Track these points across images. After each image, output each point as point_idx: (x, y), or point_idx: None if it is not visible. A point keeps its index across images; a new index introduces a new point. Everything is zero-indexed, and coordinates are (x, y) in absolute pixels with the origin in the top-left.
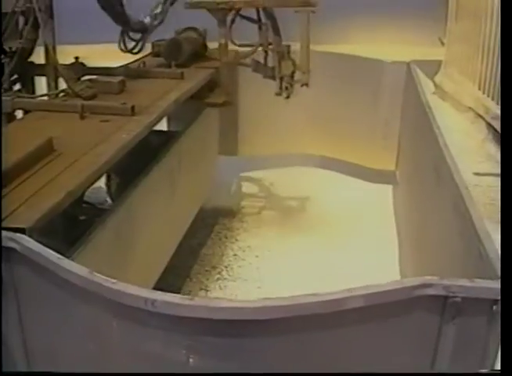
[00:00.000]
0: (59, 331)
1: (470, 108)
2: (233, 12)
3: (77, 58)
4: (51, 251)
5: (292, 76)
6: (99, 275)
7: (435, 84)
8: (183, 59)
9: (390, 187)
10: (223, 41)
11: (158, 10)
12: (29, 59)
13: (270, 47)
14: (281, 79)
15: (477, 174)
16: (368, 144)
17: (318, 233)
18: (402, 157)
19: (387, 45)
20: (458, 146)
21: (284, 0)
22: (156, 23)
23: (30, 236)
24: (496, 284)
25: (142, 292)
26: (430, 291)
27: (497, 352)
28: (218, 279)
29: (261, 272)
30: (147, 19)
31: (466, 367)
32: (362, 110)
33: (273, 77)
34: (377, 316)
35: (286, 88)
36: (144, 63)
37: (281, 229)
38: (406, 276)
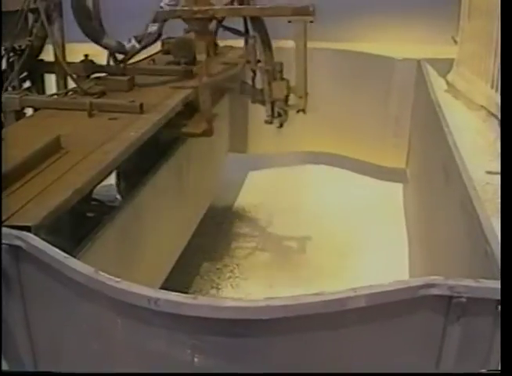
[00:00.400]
0: (65, 329)
1: (482, 106)
2: (215, 21)
3: (86, 56)
4: (56, 250)
5: (286, 100)
6: (103, 274)
7: (448, 83)
8: (192, 56)
9: (400, 185)
10: (203, 58)
11: (148, 31)
12: (39, 57)
13: (259, 65)
14: (272, 104)
15: (489, 172)
16: (378, 142)
17: (327, 230)
18: (413, 155)
19: (400, 44)
20: (470, 145)
21: (275, 8)
22: (138, 47)
23: (36, 233)
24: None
25: (145, 291)
26: (435, 291)
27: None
28: (230, 277)
29: (272, 270)
30: (130, 43)
31: (471, 368)
32: (372, 108)
33: (263, 102)
34: (381, 316)
35: (279, 114)
36: (154, 60)
37: (291, 226)
38: (415, 275)
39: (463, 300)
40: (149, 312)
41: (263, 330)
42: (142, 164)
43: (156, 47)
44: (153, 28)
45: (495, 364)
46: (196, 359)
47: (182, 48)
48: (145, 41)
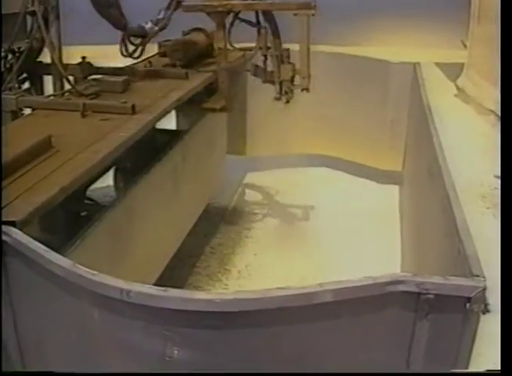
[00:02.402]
0: (47, 320)
1: (491, 111)
2: (232, 14)
3: (84, 57)
4: (38, 244)
5: (292, 80)
6: (80, 266)
7: (457, 88)
8: (188, 59)
9: (396, 187)
10: (222, 45)
11: (160, 16)
12: (38, 59)
13: (269, 51)
14: (280, 84)
15: (497, 177)
16: (375, 144)
17: (325, 231)
18: (408, 157)
19: (410, 48)
20: (478, 149)
21: (282, 4)
22: (156, 29)
23: (21, 229)
24: (469, 282)
25: (118, 283)
26: (403, 288)
27: (471, 350)
28: (238, 278)
29: (280, 272)
30: (148, 25)
31: (440, 364)
32: (369, 111)
33: (273, 82)
34: (350, 312)
35: (286, 92)
36: (150, 62)
37: (296, 229)
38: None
39: (431, 297)
40: (122, 303)
41: (233, 322)
42: (139, 163)
43: (153, 49)
44: (163, 13)
45: (465, 361)
46: (168, 351)
47: (177, 50)
48: (161, 24)
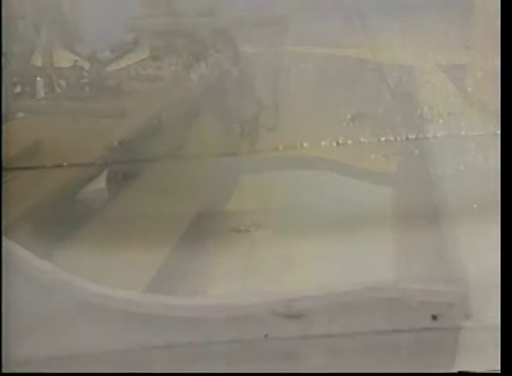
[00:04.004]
0: (34, 327)
1: (496, 113)
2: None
3: (76, 61)
4: (22, 249)
5: (256, 118)
6: (63, 272)
7: (460, 89)
8: (181, 62)
9: (390, 189)
10: None
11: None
12: (31, 62)
13: None
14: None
15: None
16: (370, 146)
17: (318, 232)
18: (402, 159)
19: (410, 49)
20: (483, 151)
21: None
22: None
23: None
24: (451, 287)
25: (99, 289)
26: (386, 294)
27: (454, 356)
28: (244, 281)
29: (285, 275)
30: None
31: (424, 370)
32: (364, 113)
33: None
34: (332, 318)
35: (249, 134)
36: (142, 66)
37: (296, 229)
38: (398, 275)
39: (414, 303)
40: (105, 309)
41: (213, 328)
42: (130, 166)
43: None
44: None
45: (448, 366)
46: (150, 356)
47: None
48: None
